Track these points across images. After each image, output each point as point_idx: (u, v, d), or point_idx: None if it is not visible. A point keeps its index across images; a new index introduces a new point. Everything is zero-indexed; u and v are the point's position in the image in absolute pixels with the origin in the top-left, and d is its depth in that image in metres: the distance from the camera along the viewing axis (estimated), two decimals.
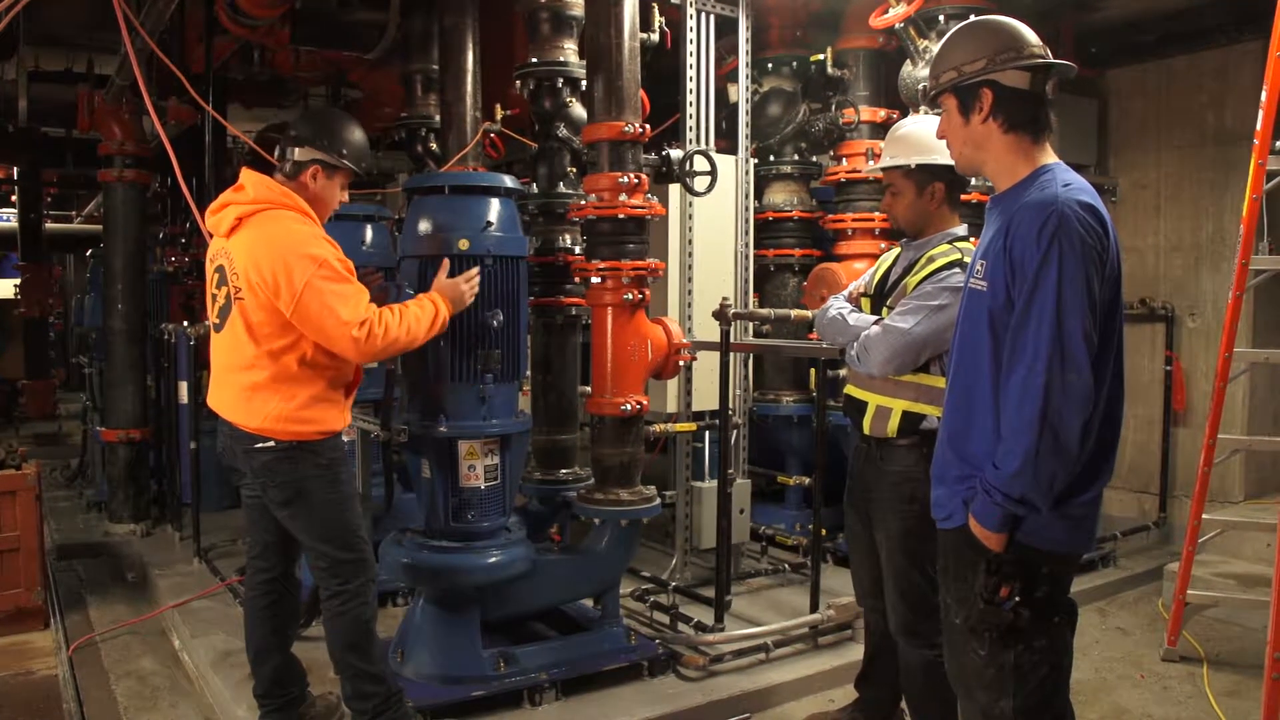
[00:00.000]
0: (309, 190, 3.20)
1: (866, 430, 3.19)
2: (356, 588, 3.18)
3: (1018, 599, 2.13)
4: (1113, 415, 2.20)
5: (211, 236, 3.29)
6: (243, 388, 3.10)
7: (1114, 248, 2.15)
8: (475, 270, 3.40)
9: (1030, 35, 2.27)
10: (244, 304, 3.06)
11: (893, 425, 3.10)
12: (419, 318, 3.16)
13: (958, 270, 2.99)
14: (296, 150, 3.20)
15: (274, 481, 3.13)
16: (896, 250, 3.35)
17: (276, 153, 3.26)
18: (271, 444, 3.07)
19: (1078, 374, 2.05)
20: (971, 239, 3.13)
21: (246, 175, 3.18)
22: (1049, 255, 2.05)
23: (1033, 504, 2.10)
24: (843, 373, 5.17)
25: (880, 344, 3.03)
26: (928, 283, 3.03)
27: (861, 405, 3.20)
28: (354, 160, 3.25)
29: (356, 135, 3.30)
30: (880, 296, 3.26)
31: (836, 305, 3.31)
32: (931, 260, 3.08)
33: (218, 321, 3.20)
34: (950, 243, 3.11)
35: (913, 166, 3.12)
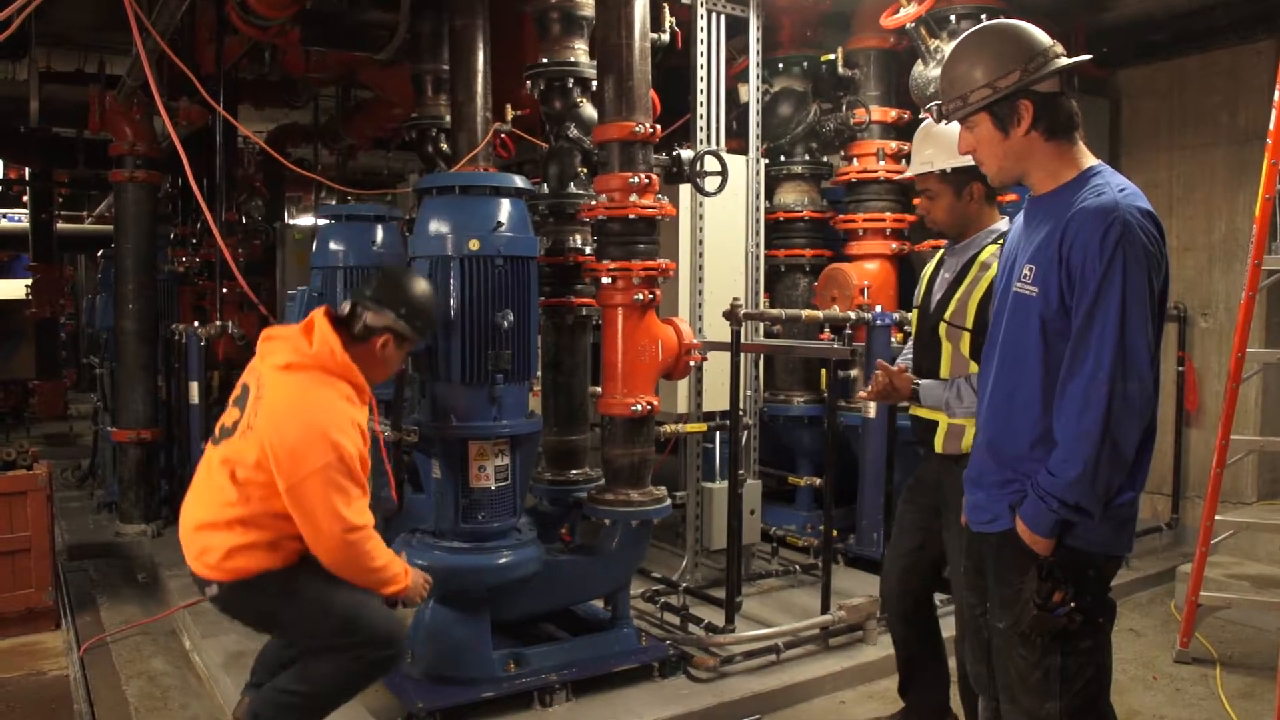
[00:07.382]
0: (374, 355, 3.02)
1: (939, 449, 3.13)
2: (378, 659, 2.93)
3: (1072, 604, 2.12)
4: (1153, 414, 2.18)
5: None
6: (199, 524, 2.89)
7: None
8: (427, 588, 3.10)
9: (1044, 35, 2.21)
10: (240, 449, 2.85)
11: (967, 442, 3.01)
12: (387, 563, 2.89)
13: None
14: (370, 314, 3.01)
15: (237, 616, 3.05)
16: (936, 257, 3.30)
17: (349, 308, 3.04)
18: (215, 588, 2.88)
19: (1139, 382, 2.04)
20: None
21: (321, 323, 2.94)
22: (1113, 264, 2.02)
23: (1088, 511, 2.10)
24: (853, 373, 5.20)
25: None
26: None
27: (932, 425, 3.15)
28: (423, 333, 3.14)
29: (428, 304, 3.15)
30: (927, 311, 3.21)
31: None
32: (985, 267, 3.00)
33: (217, 436, 2.99)
34: (996, 241, 3.04)
35: (948, 171, 3.07)
